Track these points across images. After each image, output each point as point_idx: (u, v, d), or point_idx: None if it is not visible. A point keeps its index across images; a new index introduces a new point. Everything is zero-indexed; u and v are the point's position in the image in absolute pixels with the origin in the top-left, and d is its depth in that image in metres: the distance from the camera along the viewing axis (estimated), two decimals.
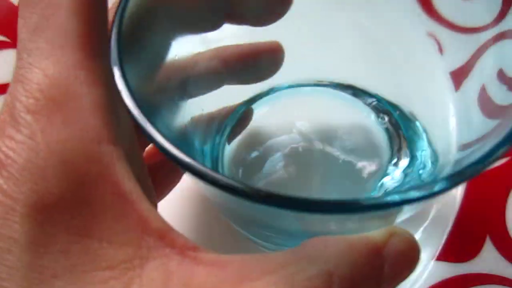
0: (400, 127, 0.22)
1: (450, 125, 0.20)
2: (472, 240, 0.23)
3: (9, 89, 0.13)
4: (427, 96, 0.21)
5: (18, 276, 0.12)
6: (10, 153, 0.13)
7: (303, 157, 0.22)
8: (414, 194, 0.11)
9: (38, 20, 0.13)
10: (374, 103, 0.22)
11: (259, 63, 0.21)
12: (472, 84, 0.18)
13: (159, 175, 0.14)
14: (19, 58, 0.14)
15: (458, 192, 0.24)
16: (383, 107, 0.22)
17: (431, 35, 0.20)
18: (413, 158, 0.21)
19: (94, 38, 0.14)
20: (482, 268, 0.23)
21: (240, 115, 0.22)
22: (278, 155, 0.22)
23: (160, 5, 0.16)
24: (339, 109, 0.23)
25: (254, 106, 0.23)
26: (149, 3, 0.15)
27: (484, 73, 0.18)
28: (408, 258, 0.13)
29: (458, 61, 0.19)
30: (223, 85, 0.21)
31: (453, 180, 0.11)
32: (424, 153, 0.21)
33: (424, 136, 0.21)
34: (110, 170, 0.13)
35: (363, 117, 0.22)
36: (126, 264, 0.12)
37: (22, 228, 0.12)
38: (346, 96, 0.23)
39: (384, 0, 0.21)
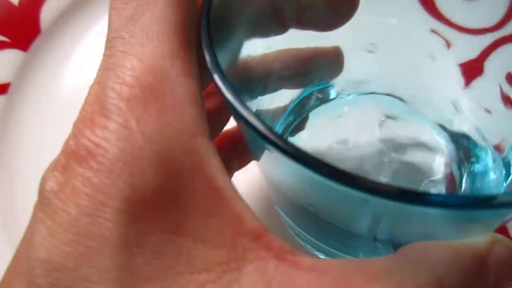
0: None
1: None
2: None
3: (97, 78, 0.13)
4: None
5: (110, 278, 0.11)
6: (102, 143, 0.12)
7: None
8: None
9: (133, 10, 0.13)
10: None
11: (319, 67, 0.21)
12: (481, 88, 0.18)
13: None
14: (109, 47, 0.13)
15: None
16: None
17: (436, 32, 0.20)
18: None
19: (189, 29, 0.13)
20: None
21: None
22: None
23: (237, 3, 0.16)
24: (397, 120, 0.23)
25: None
26: (229, 2, 0.15)
27: (492, 76, 0.18)
28: (511, 266, 0.13)
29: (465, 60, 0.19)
30: (282, 88, 0.20)
31: None
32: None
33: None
34: (205, 165, 0.12)
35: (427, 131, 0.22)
36: (222, 267, 0.11)
37: (114, 225, 0.11)
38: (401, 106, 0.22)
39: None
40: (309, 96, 0.22)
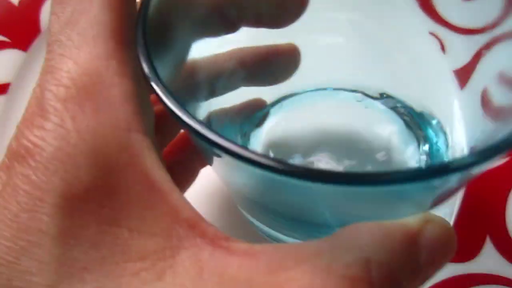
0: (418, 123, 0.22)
1: (456, 126, 0.20)
2: (472, 240, 0.23)
3: (38, 81, 0.13)
4: (433, 96, 0.21)
5: (48, 270, 0.12)
6: (39, 142, 0.12)
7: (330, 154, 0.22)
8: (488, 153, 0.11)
9: (71, 14, 0.13)
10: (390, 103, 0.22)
11: (276, 64, 0.21)
12: (475, 85, 0.18)
13: (176, 173, 0.14)
14: (49, 51, 0.13)
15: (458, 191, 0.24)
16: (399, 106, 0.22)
17: (433, 34, 0.20)
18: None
19: (125, 30, 0.14)
20: (482, 268, 0.23)
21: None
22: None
23: (179, 6, 0.16)
24: (353, 110, 0.23)
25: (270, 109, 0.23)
26: (168, 3, 0.15)
27: (486, 75, 0.18)
28: (444, 246, 0.13)
29: (461, 61, 0.19)
30: (240, 86, 0.20)
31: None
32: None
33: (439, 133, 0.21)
34: (140, 159, 0.13)
35: (383, 116, 0.22)
36: (157, 255, 0.12)
37: (52, 219, 0.12)
38: (357, 97, 0.23)
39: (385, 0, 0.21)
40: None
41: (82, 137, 0.12)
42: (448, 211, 0.24)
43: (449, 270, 0.23)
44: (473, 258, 0.23)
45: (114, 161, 0.12)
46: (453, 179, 0.13)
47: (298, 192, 0.13)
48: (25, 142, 0.12)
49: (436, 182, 0.12)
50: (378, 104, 0.22)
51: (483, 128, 0.17)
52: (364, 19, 0.21)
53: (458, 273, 0.23)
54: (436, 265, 0.13)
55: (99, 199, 0.12)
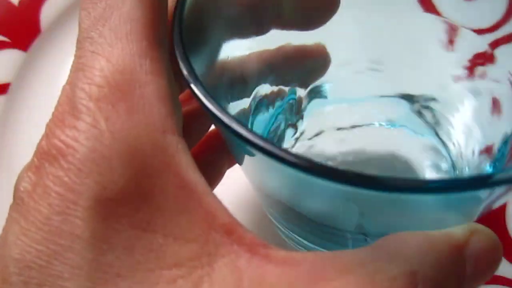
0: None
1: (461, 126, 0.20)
2: None
3: (68, 79, 0.13)
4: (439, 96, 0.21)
5: (82, 275, 0.11)
6: (71, 143, 0.12)
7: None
8: None
9: (102, 10, 0.13)
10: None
11: (305, 66, 0.20)
12: (482, 86, 0.18)
13: (202, 174, 0.14)
14: (79, 48, 0.13)
15: None
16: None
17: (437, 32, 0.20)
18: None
19: (158, 28, 0.13)
20: None
21: None
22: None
23: (212, 6, 0.16)
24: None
25: None
26: (203, 3, 0.15)
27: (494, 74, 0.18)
28: (490, 257, 0.12)
29: (466, 60, 0.19)
30: (270, 86, 0.20)
31: None
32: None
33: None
34: (176, 161, 0.12)
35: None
36: (193, 262, 0.11)
37: (85, 223, 0.11)
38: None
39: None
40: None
41: (116, 138, 0.12)
42: None
43: None
44: None
45: (149, 163, 0.12)
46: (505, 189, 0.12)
47: (333, 195, 0.13)
48: (57, 142, 0.12)
49: (496, 190, 0.11)
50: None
51: (495, 127, 0.17)
52: (367, 18, 0.21)
53: None
54: (481, 277, 0.12)
55: (133, 203, 0.12)
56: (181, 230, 0.12)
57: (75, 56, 0.13)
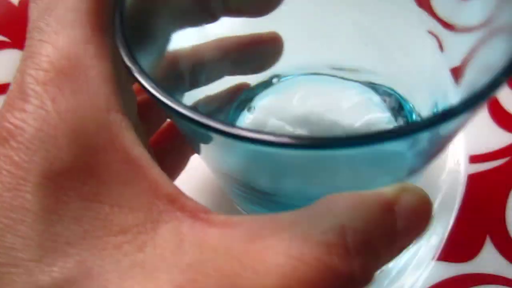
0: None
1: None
2: (472, 240, 0.23)
3: (18, 67, 0.13)
4: (427, 91, 0.21)
5: (33, 245, 0.12)
6: (20, 123, 0.12)
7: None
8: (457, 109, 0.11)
9: (48, 1, 0.14)
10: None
11: (259, 53, 0.21)
12: (471, 81, 0.18)
13: (166, 161, 0.14)
14: (29, 38, 0.14)
15: (458, 192, 0.24)
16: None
17: (431, 32, 0.20)
18: None
19: (102, 16, 0.14)
20: (482, 268, 0.23)
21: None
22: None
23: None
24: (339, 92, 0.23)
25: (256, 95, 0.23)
26: None
27: (481, 70, 0.18)
28: (421, 214, 0.13)
29: (458, 59, 0.19)
30: (223, 76, 0.21)
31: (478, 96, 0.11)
32: None
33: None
34: (119, 137, 0.13)
35: (364, 96, 0.22)
36: (138, 228, 0.12)
37: (34, 197, 0.12)
38: (344, 82, 0.23)
39: None
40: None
41: (62, 117, 0.13)
42: (447, 211, 0.24)
43: (449, 270, 0.23)
44: (473, 258, 0.23)
45: (94, 140, 0.13)
46: (423, 138, 0.13)
47: (276, 163, 0.13)
48: (6, 124, 0.13)
49: (408, 140, 0.12)
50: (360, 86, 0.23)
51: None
52: (362, 16, 0.21)
53: (458, 273, 0.23)
54: (412, 234, 0.13)
55: (80, 177, 0.12)
56: (127, 200, 0.12)
57: (26, 45, 0.14)
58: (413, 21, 0.21)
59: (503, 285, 0.22)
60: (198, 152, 0.17)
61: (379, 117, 0.22)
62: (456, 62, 0.19)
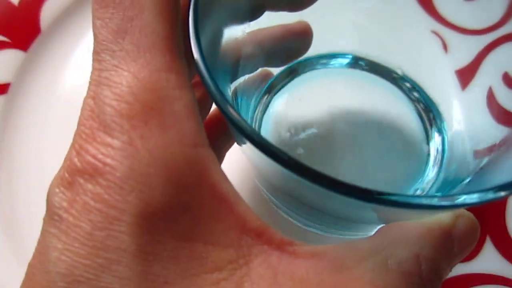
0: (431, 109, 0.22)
1: (456, 126, 0.20)
2: None
3: (91, 93, 0.13)
4: (432, 94, 0.21)
5: (131, 286, 0.12)
6: (108, 161, 0.12)
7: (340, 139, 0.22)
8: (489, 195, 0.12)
9: (120, 21, 0.13)
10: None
11: (290, 43, 0.21)
12: (478, 86, 0.18)
13: None
14: (99, 60, 0.13)
15: None
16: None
17: (435, 33, 0.20)
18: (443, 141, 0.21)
19: (178, 39, 0.13)
20: (482, 268, 0.23)
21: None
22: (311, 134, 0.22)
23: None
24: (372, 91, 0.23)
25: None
26: None
27: (489, 76, 0.18)
28: (471, 236, 0.14)
29: (463, 61, 0.19)
30: (258, 68, 0.21)
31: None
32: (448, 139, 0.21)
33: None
34: (208, 173, 0.13)
35: (397, 100, 0.23)
36: (232, 265, 0.13)
37: (130, 238, 0.12)
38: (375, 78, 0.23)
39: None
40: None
41: (153, 156, 0.12)
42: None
43: None
44: (473, 258, 0.23)
45: (185, 178, 0.12)
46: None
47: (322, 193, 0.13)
48: (91, 159, 0.12)
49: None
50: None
51: (487, 130, 0.17)
52: (367, 19, 0.21)
53: (458, 273, 0.23)
54: (464, 253, 0.14)
55: (174, 216, 0.12)
56: (217, 236, 0.13)
57: (95, 68, 0.13)
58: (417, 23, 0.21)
59: (503, 285, 0.22)
60: (249, 159, 0.17)
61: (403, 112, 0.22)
62: (462, 65, 0.19)
